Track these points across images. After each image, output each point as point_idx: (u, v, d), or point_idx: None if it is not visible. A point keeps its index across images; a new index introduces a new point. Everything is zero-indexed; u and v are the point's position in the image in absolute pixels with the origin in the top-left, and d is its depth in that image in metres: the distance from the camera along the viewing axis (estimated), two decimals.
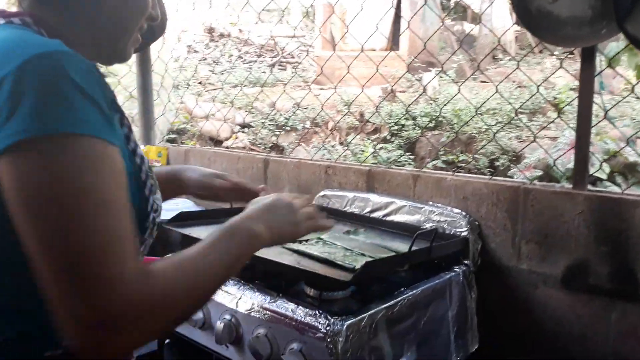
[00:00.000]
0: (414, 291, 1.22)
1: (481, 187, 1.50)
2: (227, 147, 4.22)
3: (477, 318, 1.42)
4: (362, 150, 4.21)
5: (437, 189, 1.57)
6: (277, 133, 4.45)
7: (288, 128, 4.42)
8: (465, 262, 1.45)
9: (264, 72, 5.95)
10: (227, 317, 1.19)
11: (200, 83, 6.03)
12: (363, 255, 1.25)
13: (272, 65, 7.47)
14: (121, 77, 2.35)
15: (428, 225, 1.52)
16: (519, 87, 4.77)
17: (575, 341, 1.37)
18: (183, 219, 1.45)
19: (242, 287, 1.22)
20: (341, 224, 1.64)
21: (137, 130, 2.52)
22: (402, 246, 1.36)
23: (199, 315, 1.24)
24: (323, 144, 3.96)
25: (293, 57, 8.03)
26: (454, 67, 4.92)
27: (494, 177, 1.53)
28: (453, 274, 1.37)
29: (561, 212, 1.37)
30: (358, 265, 1.12)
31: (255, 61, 7.36)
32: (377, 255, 1.25)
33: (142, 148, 2.47)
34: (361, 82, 2.06)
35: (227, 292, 1.22)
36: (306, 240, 1.35)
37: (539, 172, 3.06)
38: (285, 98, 2.19)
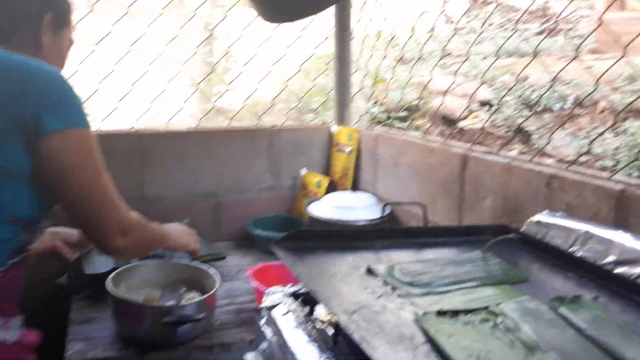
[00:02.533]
0: None
1: None
2: (461, 129, 3.63)
3: None
4: None
5: None
6: (525, 114, 3.62)
7: (540, 108, 3.54)
8: None
9: (526, 39, 5.03)
10: None
11: (449, 55, 5.45)
12: None
13: (541, 33, 6.36)
14: (317, 47, 2.01)
15: None
16: None
17: None
18: (299, 238, 1.02)
19: None
20: (560, 275, 1.00)
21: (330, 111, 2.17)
22: None
23: None
24: (574, 132, 3.00)
25: (567, 23, 6.72)
26: None
27: None
28: None
29: None
30: None
31: (517, 30, 6.38)
32: None
33: (334, 129, 2.11)
34: None
35: None
36: (469, 312, 0.78)
37: None
38: (543, 71, 1.59)
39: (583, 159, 2.75)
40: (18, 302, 1.09)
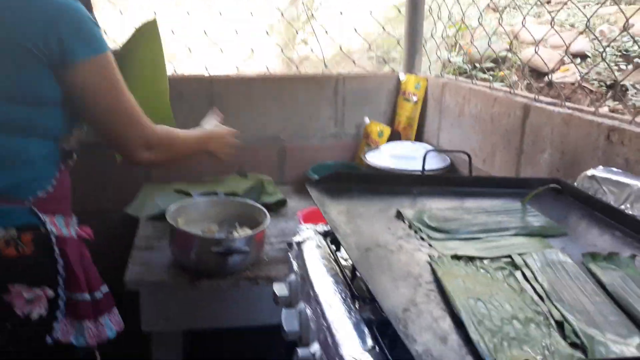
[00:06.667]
0: None
1: None
2: (549, 82, 3.39)
3: None
4: None
5: None
6: (623, 67, 3.30)
7: None
8: None
9: None
10: None
11: (548, 2, 5.03)
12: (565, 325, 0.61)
13: None
14: None
15: None
16: None
17: None
18: (337, 180, 1.04)
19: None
20: (606, 232, 0.94)
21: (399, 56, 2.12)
22: None
23: None
24: None
25: None
26: None
27: None
28: None
29: None
30: (504, 357, 0.52)
31: None
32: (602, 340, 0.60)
33: (402, 77, 2.06)
34: None
35: None
36: (488, 259, 0.77)
37: None
38: None
39: None
40: (71, 203, 1.19)
